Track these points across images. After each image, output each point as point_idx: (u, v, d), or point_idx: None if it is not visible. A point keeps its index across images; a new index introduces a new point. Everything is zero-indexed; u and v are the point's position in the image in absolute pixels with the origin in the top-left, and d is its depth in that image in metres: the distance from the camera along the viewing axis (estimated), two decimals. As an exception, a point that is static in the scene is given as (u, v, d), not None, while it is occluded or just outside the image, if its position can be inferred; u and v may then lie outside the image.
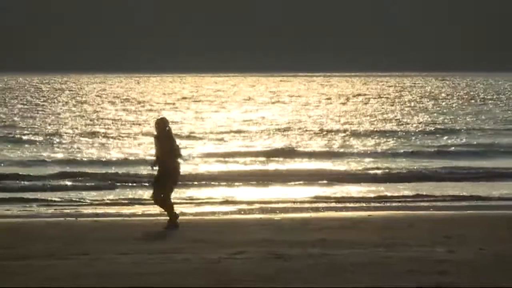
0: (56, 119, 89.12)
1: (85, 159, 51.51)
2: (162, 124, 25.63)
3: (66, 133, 71.04)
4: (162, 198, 25.47)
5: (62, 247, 22.31)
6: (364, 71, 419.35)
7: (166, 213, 25.69)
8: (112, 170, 45.25)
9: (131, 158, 52.24)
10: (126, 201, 35.53)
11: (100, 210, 33.62)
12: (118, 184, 40.90)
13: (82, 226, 28.13)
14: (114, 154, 54.00)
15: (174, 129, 73.67)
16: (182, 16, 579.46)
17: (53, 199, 35.90)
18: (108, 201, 35.89)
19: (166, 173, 25.34)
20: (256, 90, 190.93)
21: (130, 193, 37.79)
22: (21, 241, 23.98)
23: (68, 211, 32.76)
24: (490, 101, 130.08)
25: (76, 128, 75.90)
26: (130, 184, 40.74)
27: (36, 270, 18.73)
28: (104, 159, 50.96)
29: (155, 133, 25.73)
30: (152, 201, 26.08)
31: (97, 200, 35.70)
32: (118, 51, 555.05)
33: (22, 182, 40.57)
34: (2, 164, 47.17)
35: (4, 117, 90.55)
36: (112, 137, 67.76)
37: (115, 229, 27.05)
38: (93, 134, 69.49)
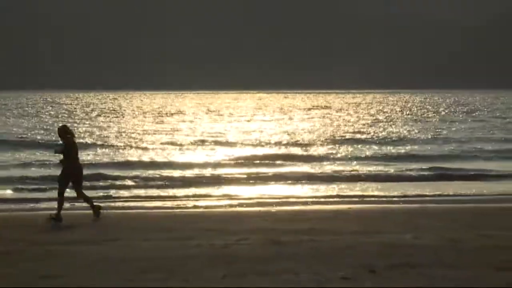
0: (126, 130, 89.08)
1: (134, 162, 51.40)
2: (63, 131, 24.71)
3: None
4: (76, 191, 24.86)
5: (97, 234, 22.46)
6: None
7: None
8: (139, 172, 45.00)
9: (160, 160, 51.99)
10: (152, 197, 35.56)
11: (130, 203, 33.50)
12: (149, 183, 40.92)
13: (115, 218, 27.81)
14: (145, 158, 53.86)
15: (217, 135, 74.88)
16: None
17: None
18: (137, 197, 35.94)
19: (80, 172, 24.77)
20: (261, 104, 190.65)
21: (154, 191, 37.71)
22: (64, 229, 24.12)
23: (102, 204, 33.00)
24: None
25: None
26: (158, 183, 40.70)
27: (74, 253, 18.92)
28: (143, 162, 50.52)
29: (65, 139, 24.60)
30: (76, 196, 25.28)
31: (125, 197, 35.65)
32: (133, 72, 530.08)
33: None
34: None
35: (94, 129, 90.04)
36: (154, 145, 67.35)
37: (141, 220, 27.08)
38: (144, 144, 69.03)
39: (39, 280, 15.56)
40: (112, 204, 33.20)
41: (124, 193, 36.98)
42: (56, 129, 25.49)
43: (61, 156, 24.48)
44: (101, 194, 35.98)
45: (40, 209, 31.44)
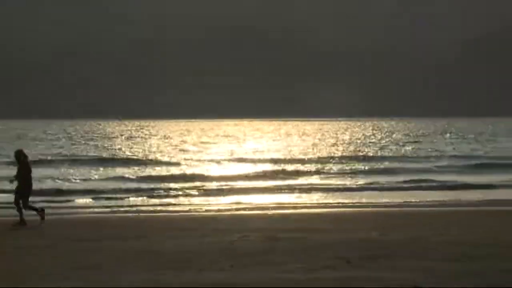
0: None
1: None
2: (21, 154, 24.20)
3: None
4: (23, 202, 23.89)
5: (125, 232, 22.48)
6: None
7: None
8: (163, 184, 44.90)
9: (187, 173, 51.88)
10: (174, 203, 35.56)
11: (155, 208, 33.56)
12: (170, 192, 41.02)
13: (141, 218, 28.28)
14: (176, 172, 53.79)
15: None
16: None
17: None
18: (161, 202, 36.02)
19: (30, 187, 24.05)
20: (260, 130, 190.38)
21: (176, 199, 37.70)
22: (96, 227, 24.19)
23: (128, 208, 33.01)
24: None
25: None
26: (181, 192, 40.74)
27: (107, 247, 19.00)
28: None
29: (20, 160, 24.08)
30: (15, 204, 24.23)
31: (148, 203, 35.68)
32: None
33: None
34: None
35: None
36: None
37: (164, 221, 27.08)
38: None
39: (78, 270, 15.51)
40: (141, 208, 33.39)
41: (154, 200, 37.13)
42: (14, 152, 24.90)
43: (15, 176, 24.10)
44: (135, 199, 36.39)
45: (87, 212, 32.04)
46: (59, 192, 39.56)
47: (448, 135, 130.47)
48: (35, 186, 26.08)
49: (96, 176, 50.53)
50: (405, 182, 45.79)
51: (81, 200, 37.14)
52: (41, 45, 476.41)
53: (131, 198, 37.66)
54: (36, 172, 44.20)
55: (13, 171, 27.15)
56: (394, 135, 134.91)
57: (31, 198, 24.88)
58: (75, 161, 64.28)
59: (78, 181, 47.39)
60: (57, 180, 46.81)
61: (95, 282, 14.15)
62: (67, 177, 49.28)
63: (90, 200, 37.10)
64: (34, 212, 24.44)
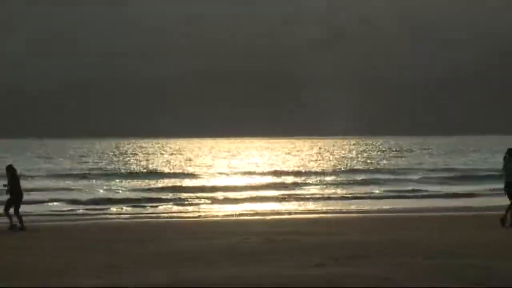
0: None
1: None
2: (11, 169, 24.04)
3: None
4: (15, 210, 23.71)
5: (143, 235, 22.52)
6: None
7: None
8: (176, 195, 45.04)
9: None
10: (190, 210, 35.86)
11: (169, 214, 33.68)
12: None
13: (158, 223, 28.40)
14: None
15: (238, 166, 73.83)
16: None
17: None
18: (174, 210, 36.23)
19: (21, 197, 23.92)
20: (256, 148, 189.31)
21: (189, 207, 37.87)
22: (120, 231, 24.26)
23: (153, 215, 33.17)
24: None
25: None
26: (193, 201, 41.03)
27: (126, 248, 19.00)
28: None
29: (10, 173, 23.92)
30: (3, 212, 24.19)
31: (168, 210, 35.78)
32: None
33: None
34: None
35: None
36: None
37: (176, 225, 27.20)
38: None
39: (105, 268, 15.54)
40: (156, 214, 33.53)
41: (168, 208, 37.22)
42: (5, 166, 24.65)
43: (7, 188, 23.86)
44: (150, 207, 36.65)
45: (114, 218, 32.18)
46: (94, 201, 39.97)
47: (425, 151, 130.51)
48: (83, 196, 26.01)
49: (122, 188, 50.97)
50: (385, 191, 46.23)
51: (112, 208, 37.17)
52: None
53: (149, 206, 37.80)
54: (77, 184, 43.89)
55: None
56: (379, 151, 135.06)
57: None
58: (107, 175, 64.72)
59: (108, 191, 47.72)
60: (92, 191, 47.25)
61: (117, 278, 14.13)
62: (101, 188, 49.79)
63: (117, 208, 37.20)
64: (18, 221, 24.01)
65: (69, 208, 36.61)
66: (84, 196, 43.00)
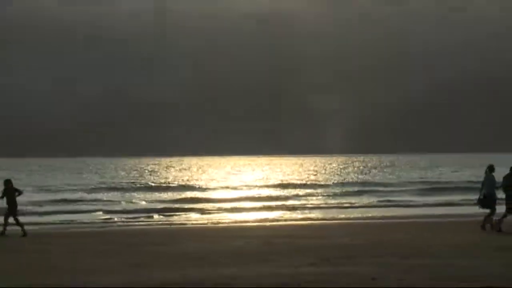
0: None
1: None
2: (9, 182, 23.60)
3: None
4: (12, 219, 23.32)
5: (160, 239, 22.43)
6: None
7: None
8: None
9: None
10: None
11: (183, 221, 33.82)
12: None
13: (173, 229, 28.47)
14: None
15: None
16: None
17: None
18: (186, 218, 36.29)
19: (16, 206, 23.37)
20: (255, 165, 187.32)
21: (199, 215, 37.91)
22: (144, 236, 24.22)
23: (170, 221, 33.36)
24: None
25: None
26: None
27: (150, 250, 19.02)
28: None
29: (7, 186, 23.53)
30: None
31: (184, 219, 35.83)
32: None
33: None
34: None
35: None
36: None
37: (190, 231, 27.31)
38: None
39: (130, 266, 15.65)
40: (172, 222, 33.54)
41: (182, 216, 37.34)
42: (4, 180, 24.24)
43: (4, 198, 23.56)
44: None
45: (136, 225, 32.03)
46: (124, 211, 40.11)
47: (402, 167, 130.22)
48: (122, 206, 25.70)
49: (145, 199, 51.13)
50: (369, 202, 46.15)
51: (136, 217, 37.08)
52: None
53: (166, 215, 37.88)
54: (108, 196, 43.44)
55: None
56: (366, 166, 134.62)
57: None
58: (134, 188, 65.15)
59: (134, 203, 47.98)
60: (122, 202, 47.67)
61: (138, 276, 14.24)
62: (130, 200, 50.04)
63: (141, 216, 37.17)
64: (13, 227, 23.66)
65: (107, 217, 36.93)
66: (115, 207, 43.37)
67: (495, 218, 22.22)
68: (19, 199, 24.00)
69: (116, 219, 35.67)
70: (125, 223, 33.20)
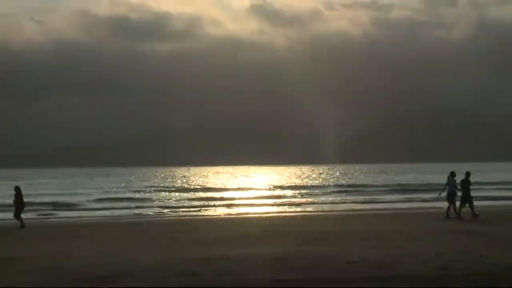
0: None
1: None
2: (18, 189, 23.04)
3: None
4: (19, 215, 22.63)
5: (186, 227, 22.02)
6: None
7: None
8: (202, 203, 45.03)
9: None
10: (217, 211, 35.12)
11: (203, 214, 32.84)
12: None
13: (195, 219, 27.65)
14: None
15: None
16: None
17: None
18: (204, 211, 35.63)
19: (23, 206, 22.89)
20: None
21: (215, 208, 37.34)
22: (172, 226, 23.02)
23: (190, 213, 32.61)
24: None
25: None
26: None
27: (174, 236, 18.57)
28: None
29: (17, 192, 22.86)
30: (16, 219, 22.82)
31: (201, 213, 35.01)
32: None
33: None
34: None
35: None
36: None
37: (204, 221, 26.64)
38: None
39: (164, 248, 15.24)
40: (193, 214, 32.82)
41: (201, 210, 36.81)
42: (14, 187, 23.56)
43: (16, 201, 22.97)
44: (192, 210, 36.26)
45: (166, 216, 31.36)
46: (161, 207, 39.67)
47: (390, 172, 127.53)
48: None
49: (174, 198, 50.78)
50: (352, 199, 45.02)
51: (167, 211, 36.66)
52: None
53: (190, 209, 37.23)
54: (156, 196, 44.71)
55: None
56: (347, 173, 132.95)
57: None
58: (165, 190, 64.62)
59: (169, 200, 47.63)
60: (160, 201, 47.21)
61: (171, 254, 14.06)
62: (165, 199, 49.68)
63: (171, 211, 36.62)
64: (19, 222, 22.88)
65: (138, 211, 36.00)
66: (157, 204, 42.94)
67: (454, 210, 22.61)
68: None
69: (151, 213, 34.92)
70: (160, 216, 32.23)
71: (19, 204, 22.92)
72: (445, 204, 23.83)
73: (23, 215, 23.23)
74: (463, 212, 22.71)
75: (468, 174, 22.91)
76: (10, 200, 23.87)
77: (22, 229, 21.96)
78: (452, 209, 22.78)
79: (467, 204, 22.70)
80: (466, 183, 22.65)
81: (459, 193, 22.77)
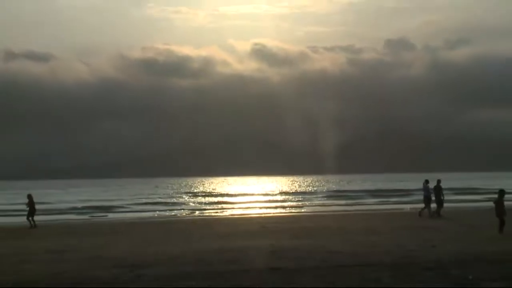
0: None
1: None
2: (30, 196, 22.45)
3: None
4: (31, 218, 21.99)
5: (201, 225, 21.84)
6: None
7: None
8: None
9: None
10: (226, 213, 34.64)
11: (214, 214, 32.34)
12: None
13: (209, 218, 27.33)
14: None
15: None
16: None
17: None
18: (217, 212, 35.20)
19: (34, 210, 22.33)
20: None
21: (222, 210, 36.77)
22: (191, 223, 23.00)
23: (205, 214, 32.29)
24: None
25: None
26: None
27: (190, 230, 18.66)
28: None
29: (30, 199, 22.26)
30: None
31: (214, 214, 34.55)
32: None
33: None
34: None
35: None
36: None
37: (216, 220, 26.31)
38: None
39: (182, 241, 15.08)
40: (206, 214, 32.65)
41: (215, 211, 36.38)
42: (27, 194, 22.88)
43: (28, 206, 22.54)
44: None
45: (189, 216, 30.73)
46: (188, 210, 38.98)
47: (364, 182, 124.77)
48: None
49: (192, 202, 50.24)
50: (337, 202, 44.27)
51: (186, 212, 35.81)
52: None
53: (203, 210, 36.95)
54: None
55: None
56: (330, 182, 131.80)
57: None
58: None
59: (187, 204, 47.11)
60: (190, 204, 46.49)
61: (190, 247, 13.84)
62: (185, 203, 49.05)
63: (186, 212, 35.90)
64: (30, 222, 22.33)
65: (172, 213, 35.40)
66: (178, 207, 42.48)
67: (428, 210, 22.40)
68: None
69: (174, 213, 34.21)
70: (180, 216, 31.78)
71: (31, 208, 22.32)
72: (419, 206, 23.64)
73: (36, 218, 22.56)
74: (436, 211, 22.18)
75: (439, 181, 22.55)
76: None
77: (34, 229, 21.30)
78: (426, 209, 22.42)
79: (437, 205, 22.34)
80: (438, 189, 22.41)
81: (433, 198, 22.41)
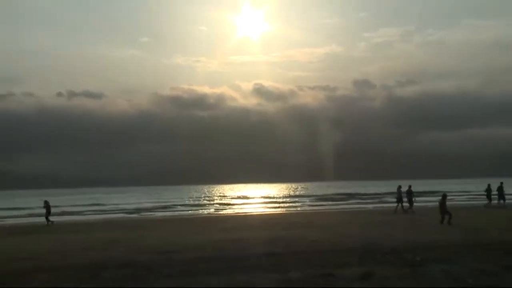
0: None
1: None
2: (47, 202, 21.46)
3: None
4: (48, 217, 20.74)
5: (215, 221, 21.08)
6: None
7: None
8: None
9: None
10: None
11: (225, 213, 31.31)
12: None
13: (221, 216, 26.05)
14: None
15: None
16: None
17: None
18: (226, 211, 33.87)
19: (50, 212, 21.19)
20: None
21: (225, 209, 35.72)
22: (207, 220, 22.16)
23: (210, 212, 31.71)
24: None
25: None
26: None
27: (209, 226, 17.56)
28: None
29: (47, 204, 21.05)
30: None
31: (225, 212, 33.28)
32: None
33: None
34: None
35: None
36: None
37: (225, 217, 24.79)
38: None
39: (199, 233, 14.73)
40: (219, 213, 31.71)
41: (225, 210, 34.99)
42: (44, 200, 21.96)
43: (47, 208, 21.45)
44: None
45: (211, 214, 29.45)
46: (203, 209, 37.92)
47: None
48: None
49: (210, 203, 48.17)
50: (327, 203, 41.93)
51: (204, 211, 34.85)
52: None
53: (217, 210, 35.81)
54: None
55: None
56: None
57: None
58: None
59: (206, 206, 45.30)
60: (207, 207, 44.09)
61: (207, 237, 13.53)
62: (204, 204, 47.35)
63: (213, 212, 34.33)
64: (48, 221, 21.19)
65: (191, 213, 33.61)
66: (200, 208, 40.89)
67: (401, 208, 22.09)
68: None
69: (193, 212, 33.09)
70: (200, 214, 30.70)
71: (48, 211, 21.38)
72: (392, 206, 23.40)
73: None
74: (409, 208, 21.57)
75: (410, 186, 22.89)
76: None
77: (52, 225, 20.32)
78: (399, 207, 22.31)
79: (409, 204, 22.25)
80: (410, 192, 22.54)
81: (405, 199, 22.36)
